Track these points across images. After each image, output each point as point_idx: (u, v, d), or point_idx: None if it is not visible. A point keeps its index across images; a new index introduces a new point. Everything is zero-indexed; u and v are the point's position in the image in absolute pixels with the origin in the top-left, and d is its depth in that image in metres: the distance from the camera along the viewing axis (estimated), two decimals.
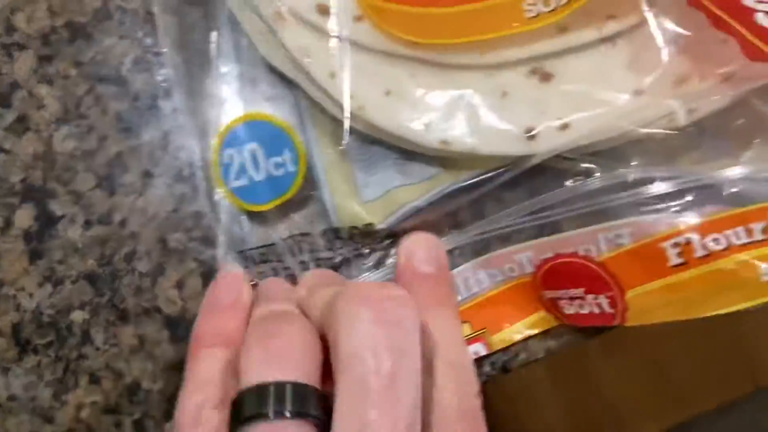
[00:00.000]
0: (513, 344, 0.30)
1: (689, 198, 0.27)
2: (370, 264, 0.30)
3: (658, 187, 0.27)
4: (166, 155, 0.31)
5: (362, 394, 0.19)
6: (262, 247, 0.29)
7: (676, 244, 0.26)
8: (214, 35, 0.30)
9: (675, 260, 0.26)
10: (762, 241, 0.25)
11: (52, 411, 0.31)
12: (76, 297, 0.31)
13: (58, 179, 0.32)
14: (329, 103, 0.28)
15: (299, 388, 0.21)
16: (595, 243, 0.28)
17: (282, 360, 0.22)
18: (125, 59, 0.32)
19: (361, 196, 0.29)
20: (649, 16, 0.26)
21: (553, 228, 0.29)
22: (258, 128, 0.29)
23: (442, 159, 0.29)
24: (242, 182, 0.29)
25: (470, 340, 0.29)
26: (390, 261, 0.30)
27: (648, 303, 0.26)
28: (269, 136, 0.29)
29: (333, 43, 0.27)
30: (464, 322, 0.29)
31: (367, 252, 0.30)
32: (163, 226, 0.31)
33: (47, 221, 0.32)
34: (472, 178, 0.28)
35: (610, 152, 0.28)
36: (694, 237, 0.25)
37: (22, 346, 0.31)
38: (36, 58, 0.32)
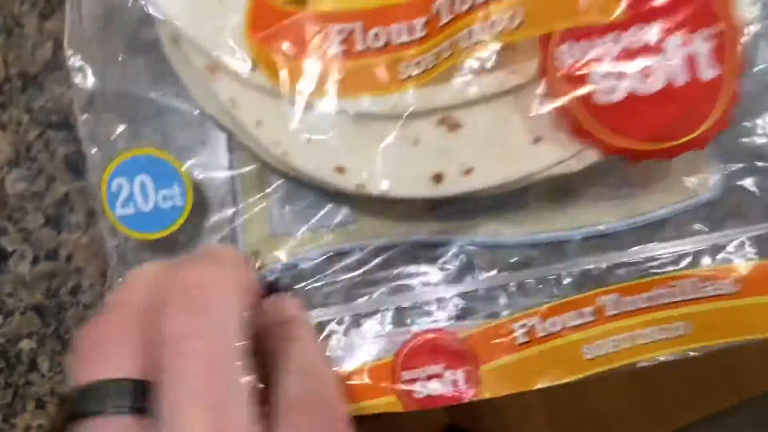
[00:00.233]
0: None
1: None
2: None
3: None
4: None
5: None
6: None
7: (523, 325, 0.30)
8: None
9: (522, 339, 0.30)
10: (590, 322, 0.29)
11: None
12: (24, 327, 0.33)
13: (9, 218, 0.34)
14: (256, 147, 0.31)
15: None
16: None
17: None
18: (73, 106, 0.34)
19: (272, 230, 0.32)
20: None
21: None
22: (146, 161, 0.30)
23: (357, 212, 0.32)
24: (128, 211, 0.30)
25: None
26: None
27: (497, 376, 0.29)
28: (157, 169, 0.30)
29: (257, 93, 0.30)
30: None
31: None
32: (106, 262, 0.33)
33: None
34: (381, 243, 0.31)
35: None
36: (537, 320, 0.30)
37: None
38: None
